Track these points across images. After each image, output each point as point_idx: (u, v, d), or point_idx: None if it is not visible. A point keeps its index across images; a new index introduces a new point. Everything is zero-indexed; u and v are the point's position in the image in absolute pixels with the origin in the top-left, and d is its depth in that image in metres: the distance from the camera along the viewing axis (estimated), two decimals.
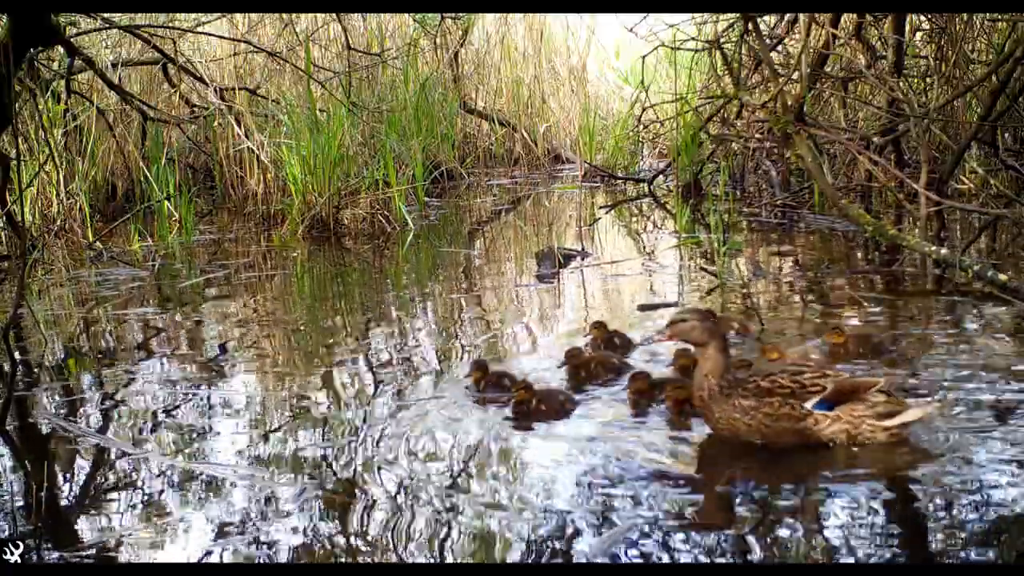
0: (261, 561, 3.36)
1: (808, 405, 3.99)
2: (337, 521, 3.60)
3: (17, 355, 5.68)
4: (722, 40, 9.74)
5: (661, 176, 12.31)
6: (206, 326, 6.70)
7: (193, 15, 11.48)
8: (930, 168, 7.26)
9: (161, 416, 4.86)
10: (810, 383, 4.02)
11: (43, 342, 6.32)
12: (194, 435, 4.58)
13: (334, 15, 11.98)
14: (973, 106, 9.33)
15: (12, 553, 3.34)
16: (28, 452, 4.48)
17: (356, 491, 3.82)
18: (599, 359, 5.11)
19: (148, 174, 10.70)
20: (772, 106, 7.35)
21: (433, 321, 6.66)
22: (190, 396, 5.13)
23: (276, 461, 4.17)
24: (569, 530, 3.43)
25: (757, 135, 10.61)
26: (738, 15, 8.74)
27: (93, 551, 3.46)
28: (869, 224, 6.84)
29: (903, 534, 3.34)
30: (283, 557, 3.38)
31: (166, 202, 10.40)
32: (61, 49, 9.53)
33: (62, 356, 6.08)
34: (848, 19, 9.56)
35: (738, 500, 3.63)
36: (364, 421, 4.59)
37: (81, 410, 5.04)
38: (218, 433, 4.58)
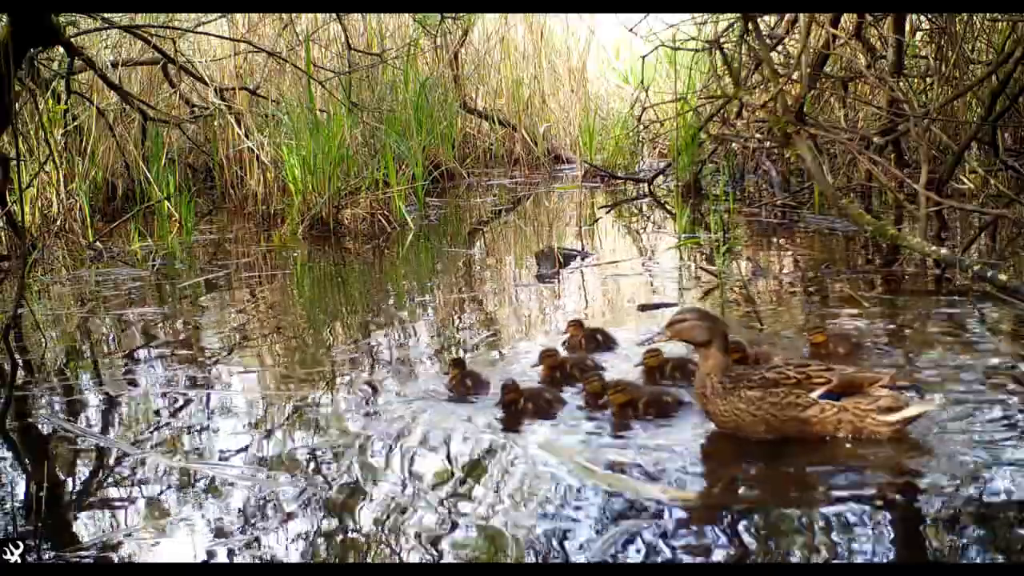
0: (261, 561, 3.36)
1: (813, 395, 4.02)
2: (337, 521, 3.60)
3: (17, 355, 5.68)
4: (722, 40, 9.72)
5: (661, 176, 12.30)
6: (206, 326, 6.70)
7: (193, 15, 11.48)
8: (930, 168, 7.25)
9: (161, 416, 4.87)
10: (816, 375, 4.06)
11: (43, 342, 6.32)
12: (194, 435, 4.58)
13: (334, 15, 11.98)
14: (973, 106, 9.33)
15: (12, 553, 3.34)
16: (28, 452, 4.49)
17: (356, 491, 3.82)
18: (573, 361, 5.09)
19: (148, 174, 10.70)
20: (772, 106, 7.35)
21: (433, 321, 6.66)
22: (190, 396, 5.13)
23: (276, 461, 4.17)
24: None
25: (757, 135, 10.61)
26: (738, 15, 8.73)
27: (93, 551, 3.46)
28: (869, 224, 6.84)
29: (903, 534, 3.34)
30: (283, 557, 3.38)
31: (166, 202, 10.40)
32: (61, 49, 9.53)
33: (62, 356, 6.08)
34: (848, 19, 9.56)
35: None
36: (363, 421, 4.59)
37: (81, 410, 5.04)
38: (218, 433, 4.58)
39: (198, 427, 4.68)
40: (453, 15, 13.59)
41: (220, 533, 3.55)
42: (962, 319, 5.84)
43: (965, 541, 3.25)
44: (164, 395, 5.19)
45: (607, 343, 5.62)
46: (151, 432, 4.64)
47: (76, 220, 9.93)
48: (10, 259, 8.51)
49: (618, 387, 4.50)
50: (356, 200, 10.16)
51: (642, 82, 12.43)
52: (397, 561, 3.31)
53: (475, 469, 4.00)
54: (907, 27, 9.16)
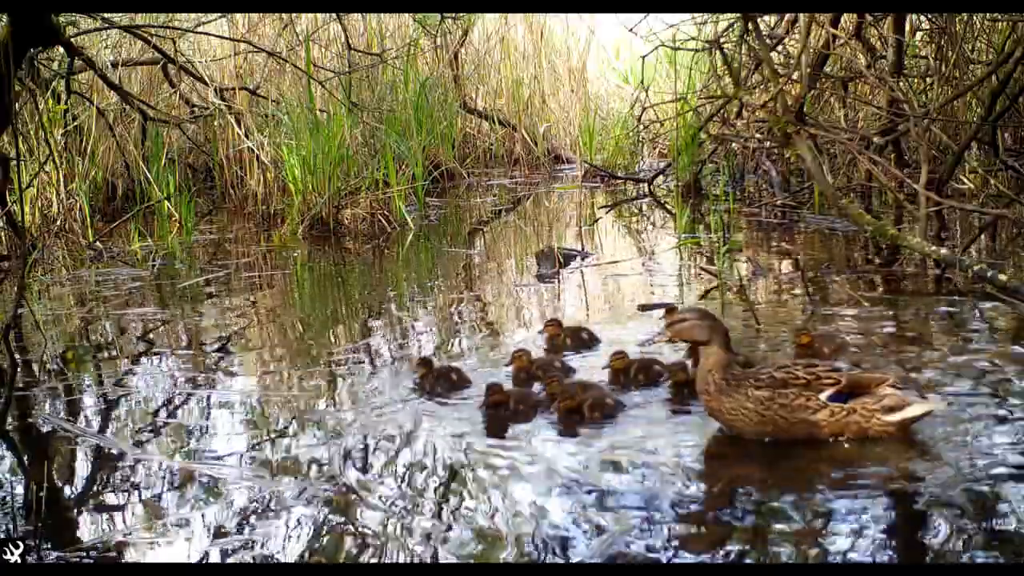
0: (260, 561, 3.36)
1: (823, 397, 4.01)
2: (337, 520, 3.60)
3: (17, 355, 5.68)
4: (722, 40, 9.72)
5: (661, 176, 12.30)
6: (206, 326, 6.70)
7: (193, 15, 11.47)
8: (930, 168, 7.25)
9: (161, 416, 4.87)
10: (825, 375, 4.04)
11: (43, 342, 6.32)
12: (194, 435, 4.58)
13: (334, 15, 11.97)
14: (973, 106, 9.33)
15: (12, 553, 3.34)
16: (28, 452, 4.48)
17: (355, 490, 3.82)
18: (540, 363, 5.08)
19: (148, 174, 10.69)
20: (772, 106, 7.34)
21: (433, 321, 6.66)
22: (190, 396, 5.13)
23: (276, 461, 4.17)
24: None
25: (757, 135, 10.60)
26: (738, 15, 8.73)
27: (93, 551, 3.46)
28: (869, 224, 6.84)
29: (903, 534, 3.34)
30: (283, 557, 3.38)
31: (166, 202, 10.40)
32: (61, 49, 9.52)
33: (62, 356, 6.08)
34: (848, 19, 9.56)
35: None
36: (363, 420, 4.59)
37: (81, 410, 5.04)
38: (218, 433, 4.58)
39: (198, 427, 4.68)
40: (453, 15, 13.58)
41: (219, 533, 3.55)
42: (962, 319, 5.84)
43: (965, 541, 3.25)
44: (164, 395, 5.19)
45: (592, 341, 5.63)
46: (151, 432, 4.64)
47: (76, 220, 9.92)
48: (10, 259, 8.50)
49: (564, 393, 4.47)
50: (356, 200, 10.16)
51: (642, 82, 12.43)
52: (396, 561, 3.31)
53: (475, 465, 4.00)
54: (907, 27, 9.16)
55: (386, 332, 6.32)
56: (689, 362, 4.99)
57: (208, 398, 5.11)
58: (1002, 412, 4.26)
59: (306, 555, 3.38)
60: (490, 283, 7.81)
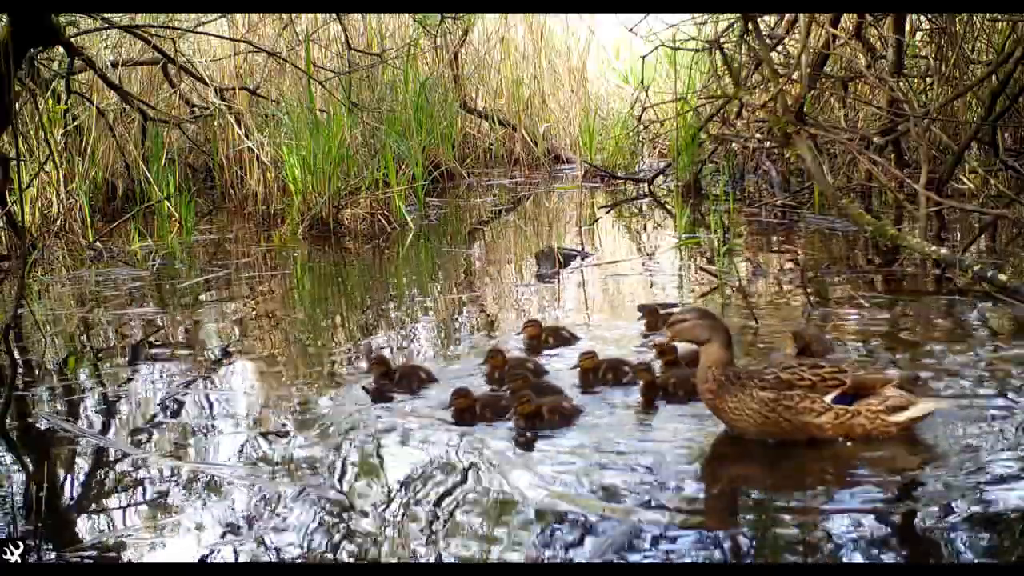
0: (261, 561, 3.36)
1: (828, 399, 4.00)
2: (337, 520, 3.60)
3: (17, 355, 5.68)
4: (722, 40, 9.73)
5: (661, 176, 12.30)
6: (206, 326, 6.70)
7: (193, 15, 11.47)
8: (930, 168, 7.26)
9: (161, 416, 4.86)
10: (830, 376, 4.02)
11: (43, 342, 6.31)
12: (193, 435, 4.57)
13: (334, 15, 11.98)
14: (973, 106, 9.33)
15: (12, 553, 3.34)
16: (28, 452, 4.48)
17: (355, 490, 3.82)
18: (512, 363, 5.05)
19: (148, 174, 10.69)
20: (772, 106, 7.35)
21: (432, 321, 6.66)
22: (190, 396, 5.13)
23: (276, 461, 4.17)
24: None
25: (757, 135, 10.61)
26: (738, 15, 8.74)
27: (93, 551, 3.46)
28: (869, 224, 6.84)
29: (903, 534, 3.34)
30: (283, 557, 3.38)
31: (166, 202, 10.40)
32: (61, 49, 9.52)
33: (62, 356, 6.08)
34: (848, 19, 9.56)
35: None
36: (362, 420, 4.59)
37: (81, 410, 5.04)
38: (218, 433, 4.58)
39: (198, 427, 4.68)
40: (453, 15, 13.59)
41: (219, 533, 3.55)
42: (962, 319, 5.84)
43: (966, 541, 3.25)
44: (164, 395, 5.19)
45: (571, 340, 5.64)
46: (151, 432, 4.64)
47: (76, 220, 9.92)
48: (10, 259, 8.51)
49: (523, 398, 4.41)
50: (356, 200, 10.16)
51: (642, 82, 12.43)
52: (396, 561, 3.31)
53: (472, 467, 4.00)
54: (907, 27, 9.16)
55: (385, 333, 6.32)
56: (657, 363, 4.94)
57: (208, 398, 5.11)
58: (1002, 412, 4.26)
59: (306, 555, 3.38)
60: (490, 283, 7.82)
